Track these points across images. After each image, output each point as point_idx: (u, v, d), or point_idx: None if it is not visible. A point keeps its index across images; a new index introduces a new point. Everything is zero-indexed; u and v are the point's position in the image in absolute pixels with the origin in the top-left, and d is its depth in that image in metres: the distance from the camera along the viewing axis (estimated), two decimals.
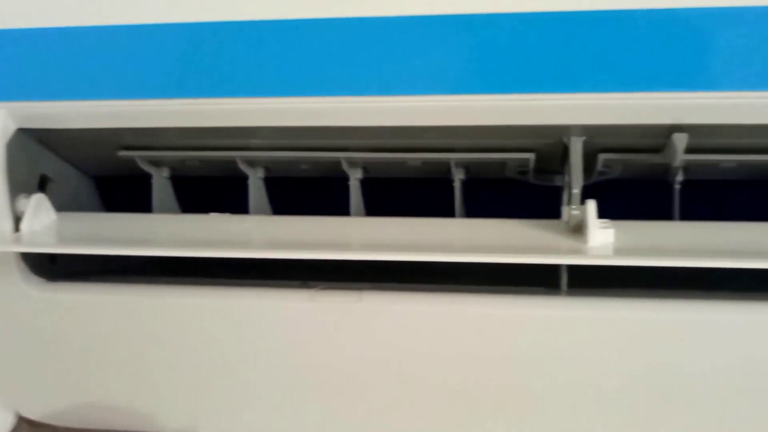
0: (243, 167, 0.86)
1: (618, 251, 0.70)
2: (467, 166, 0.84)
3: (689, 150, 0.73)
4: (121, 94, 0.78)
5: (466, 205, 0.88)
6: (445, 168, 0.83)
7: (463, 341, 0.75)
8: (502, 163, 0.82)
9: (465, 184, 0.86)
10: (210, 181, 0.94)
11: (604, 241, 0.70)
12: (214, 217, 0.83)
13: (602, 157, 0.78)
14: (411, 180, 0.93)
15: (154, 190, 0.90)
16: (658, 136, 0.73)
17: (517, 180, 0.87)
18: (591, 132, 0.74)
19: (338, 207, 0.87)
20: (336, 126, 0.77)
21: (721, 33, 0.68)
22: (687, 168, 0.81)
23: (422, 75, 0.73)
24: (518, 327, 0.75)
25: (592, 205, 0.71)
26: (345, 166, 0.84)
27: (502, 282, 0.76)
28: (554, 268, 0.75)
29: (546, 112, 0.72)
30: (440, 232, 0.76)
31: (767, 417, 0.73)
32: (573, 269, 0.75)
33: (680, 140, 0.71)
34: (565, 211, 0.72)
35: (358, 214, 0.87)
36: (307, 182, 0.94)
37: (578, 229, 0.72)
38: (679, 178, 0.81)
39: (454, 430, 0.78)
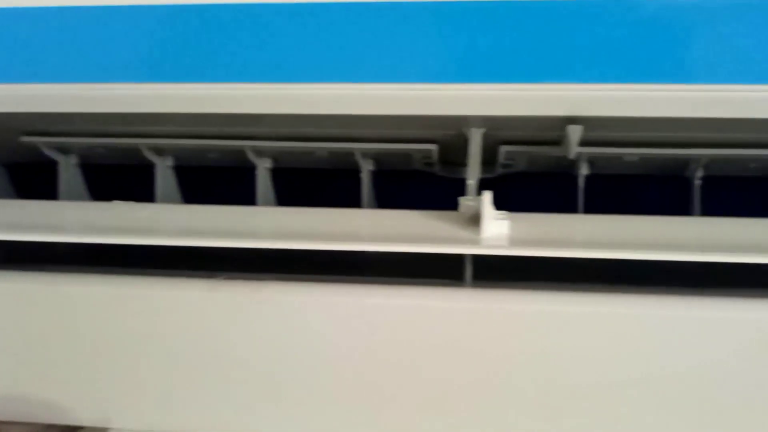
0: (149, 155, 0.85)
1: (512, 242, 0.70)
2: (375, 158, 0.84)
3: (588, 143, 0.73)
4: (19, 77, 0.77)
5: (382, 197, 0.88)
6: (352, 158, 0.83)
7: (365, 332, 0.74)
8: (408, 155, 0.81)
9: (378, 176, 0.86)
10: (123, 169, 0.93)
11: (498, 232, 0.70)
12: (118, 205, 0.82)
13: (503, 149, 0.78)
14: (329, 171, 0.92)
15: (60, 177, 0.88)
16: (556, 129, 0.73)
17: (431, 173, 0.87)
18: (491, 123, 0.74)
19: (251, 197, 0.87)
20: (240, 113, 0.77)
21: (612, 25, 0.69)
22: (592, 162, 0.81)
23: (322, 62, 0.73)
24: (421, 318, 0.74)
25: (487, 197, 0.70)
26: (251, 155, 0.83)
27: (412, 275, 0.76)
28: (461, 261, 0.74)
29: (444, 102, 0.71)
30: (340, 222, 0.75)
31: (669, 409, 0.72)
32: (480, 262, 0.74)
33: (575, 132, 0.71)
34: (462, 202, 0.72)
35: (267, 204, 0.87)
36: (222, 171, 0.93)
37: (474, 220, 0.71)
38: (584, 171, 0.81)
39: (353, 421, 0.77)
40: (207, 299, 0.75)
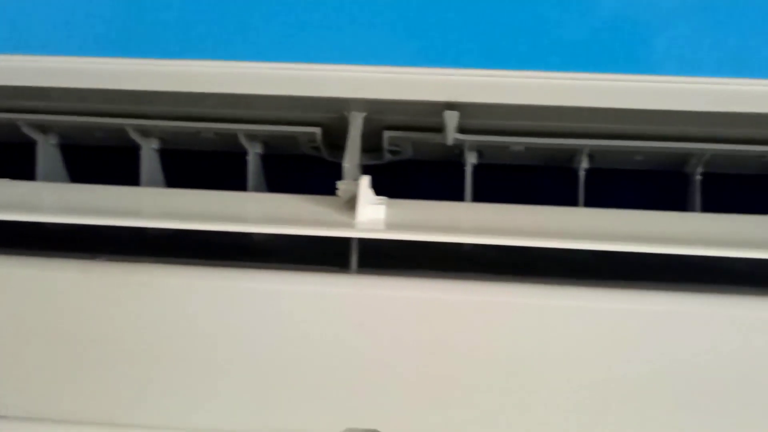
0: (29, 132, 0.82)
1: (389, 226, 0.69)
2: (264, 140, 0.82)
3: (470, 130, 0.73)
4: None
5: (273, 181, 0.86)
6: (238, 140, 0.81)
7: (241, 316, 0.73)
8: (294, 138, 0.80)
9: (269, 159, 0.85)
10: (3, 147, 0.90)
11: (374, 216, 0.69)
12: None
13: (387, 134, 0.77)
14: (223, 154, 0.90)
15: None
16: (436, 114, 0.72)
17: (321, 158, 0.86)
18: (372, 107, 0.73)
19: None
20: (121, 90, 0.75)
21: (492, 10, 0.69)
22: (481, 151, 0.81)
23: (200, 39, 0.72)
24: (303, 304, 0.73)
25: (365, 181, 0.70)
26: (134, 135, 0.81)
27: (302, 263, 0.75)
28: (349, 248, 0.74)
29: (323, 84, 0.71)
30: (212, 204, 0.73)
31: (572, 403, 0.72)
32: (370, 250, 0.74)
33: (451, 118, 0.71)
34: (339, 186, 0.71)
35: (154, 185, 0.85)
36: (108, 151, 0.90)
37: (352, 204, 0.71)
38: (472, 160, 0.80)
39: (230, 407, 0.76)
40: (81, 280, 0.73)
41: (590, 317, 0.70)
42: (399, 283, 0.72)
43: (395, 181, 0.82)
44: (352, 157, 0.71)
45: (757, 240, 0.70)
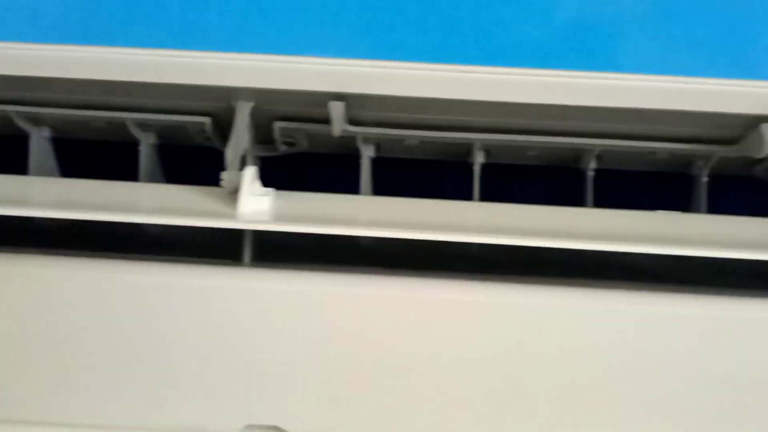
0: None
1: (276, 218, 0.68)
2: (157, 131, 0.81)
3: (360, 122, 0.73)
4: None
5: (171, 172, 0.85)
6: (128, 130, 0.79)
7: (132, 311, 0.71)
8: (185, 128, 0.78)
9: (164, 150, 0.83)
10: None
11: (258, 207, 0.68)
12: None
13: (277, 125, 0.76)
14: (124, 144, 0.89)
15: None
16: (324, 105, 0.72)
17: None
18: (260, 97, 0.72)
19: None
20: (4, 75, 0.73)
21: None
22: (379, 145, 0.81)
23: (88, 24, 0.70)
24: (193, 297, 0.72)
25: (249, 172, 0.69)
26: (21, 122, 0.79)
27: (198, 256, 0.73)
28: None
29: (210, 72, 0.70)
30: (106, 195, 0.72)
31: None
32: (265, 243, 0.73)
33: (336, 108, 0.70)
34: (222, 176, 0.70)
35: (47, 174, 0.83)
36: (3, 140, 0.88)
37: (236, 195, 0.69)
38: (369, 153, 0.80)
39: (118, 403, 0.74)
40: None
41: (488, 311, 0.70)
42: (290, 277, 0.71)
43: (295, 174, 0.82)
44: (236, 147, 0.70)
45: (649, 235, 0.71)
